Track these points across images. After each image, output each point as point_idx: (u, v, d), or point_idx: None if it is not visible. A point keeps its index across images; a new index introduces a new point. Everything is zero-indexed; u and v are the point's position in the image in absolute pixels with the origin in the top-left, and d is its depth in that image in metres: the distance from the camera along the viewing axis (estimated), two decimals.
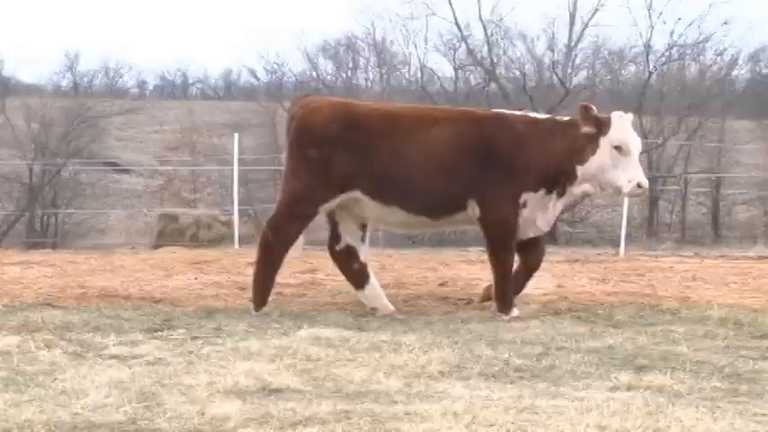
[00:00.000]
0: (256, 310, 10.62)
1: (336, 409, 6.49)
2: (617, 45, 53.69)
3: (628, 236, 23.96)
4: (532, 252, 10.98)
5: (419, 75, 53.07)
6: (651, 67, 51.87)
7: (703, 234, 47.03)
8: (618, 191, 10.68)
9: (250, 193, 43.54)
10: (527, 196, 10.64)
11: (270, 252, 10.79)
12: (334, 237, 11.11)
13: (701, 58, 54.23)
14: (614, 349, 8.79)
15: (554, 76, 49.05)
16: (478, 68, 50.87)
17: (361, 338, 8.96)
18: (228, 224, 22.73)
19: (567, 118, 10.89)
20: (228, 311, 10.70)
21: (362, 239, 11.14)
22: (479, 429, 6.09)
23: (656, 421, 6.25)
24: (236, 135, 23.75)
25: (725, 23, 51.64)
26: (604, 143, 10.47)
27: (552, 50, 50.85)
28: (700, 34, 51.87)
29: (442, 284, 13.18)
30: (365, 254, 11.14)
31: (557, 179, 10.67)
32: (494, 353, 8.45)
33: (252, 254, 16.91)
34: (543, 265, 11.27)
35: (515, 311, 10.65)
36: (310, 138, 10.74)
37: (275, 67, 56.85)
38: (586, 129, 10.49)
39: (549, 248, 17.22)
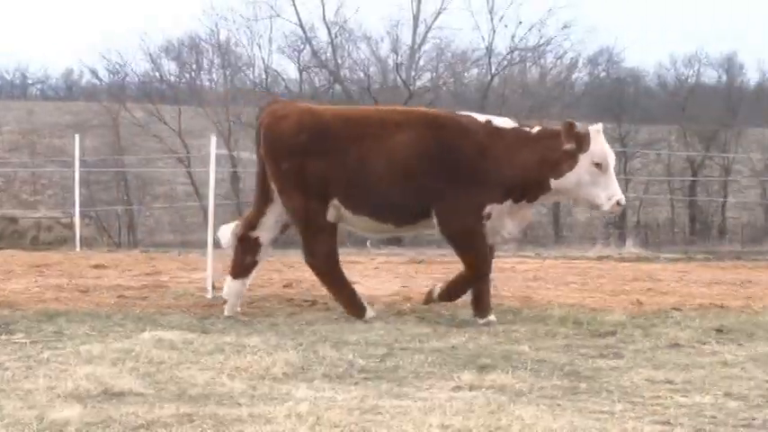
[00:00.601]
0: (362, 317, 10.50)
1: (179, 412, 6.40)
2: (460, 48, 54.23)
3: None
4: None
5: (264, 76, 52.86)
6: (493, 69, 52.53)
7: (545, 234, 47.79)
8: (596, 207, 10.45)
9: (92, 194, 42.90)
10: (491, 207, 10.37)
11: (327, 275, 10.71)
12: (249, 223, 10.92)
13: (542, 61, 55.18)
14: (457, 349, 8.85)
15: (398, 77, 49.25)
16: (323, 70, 50.87)
17: (204, 341, 8.86)
18: (70, 226, 22.32)
19: (536, 128, 10.61)
20: (70, 315, 10.50)
21: (272, 241, 11.06)
22: (323, 431, 6.05)
23: (498, 420, 6.28)
24: (77, 136, 23.36)
25: (564, 27, 52.69)
26: (584, 159, 10.20)
27: (396, 52, 51.14)
28: (540, 38, 52.83)
29: (286, 286, 13.15)
30: (264, 256, 11.07)
31: (526, 190, 10.41)
32: (338, 354, 8.43)
33: (94, 257, 16.71)
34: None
35: (492, 317, 10.47)
36: (281, 149, 10.58)
37: (117, 67, 56.06)
38: (568, 146, 10.20)
39: (395, 249, 17.35)
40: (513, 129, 10.54)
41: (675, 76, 62.68)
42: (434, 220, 10.44)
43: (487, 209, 10.36)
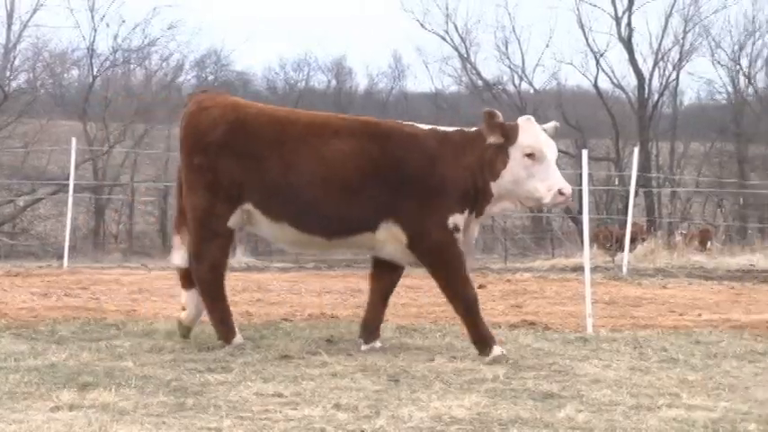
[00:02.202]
0: (229, 341, 9.61)
1: None
2: (59, 47, 52.63)
3: (72, 247, 23.59)
4: (388, 274, 9.97)
5: None
6: (95, 71, 51.34)
7: (152, 244, 47.24)
8: (539, 202, 9.51)
9: None
10: (454, 219, 9.46)
11: (206, 284, 9.70)
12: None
13: (147, 62, 54.44)
14: (56, 367, 8.43)
15: None
16: None
17: None
18: None
19: (473, 129, 9.67)
20: None
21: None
22: None
23: None
24: None
25: (170, 28, 52.22)
26: (515, 152, 9.38)
27: None
28: (145, 38, 52.07)
29: None
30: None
31: (476, 198, 9.51)
32: None
33: None
34: None
35: (497, 349, 9.40)
36: (195, 143, 9.68)
37: None
38: (492, 139, 9.39)
39: None
40: (456, 131, 9.74)
41: (285, 80, 63.74)
42: (402, 237, 9.51)
43: (451, 220, 9.48)
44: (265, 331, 10.57)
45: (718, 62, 57.52)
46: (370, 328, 9.91)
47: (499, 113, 9.50)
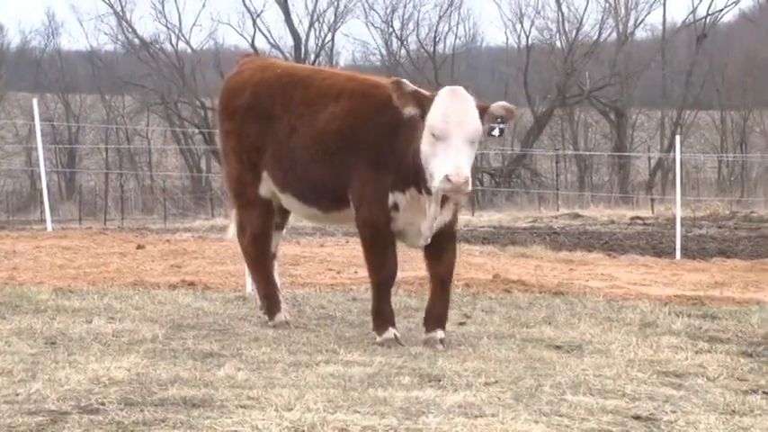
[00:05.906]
0: (271, 320, 9.21)
1: None
2: None
3: None
4: (438, 260, 8.66)
5: None
6: None
7: None
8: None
9: None
10: (395, 197, 8.45)
11: (249, 257, 9.39)
12: None
13: None
14: None
15: None
16: None
17: None
18: None
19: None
20: None
21: (278, 226, 9.46)
22: None
23: None
24: None
25: None
26: (427, 127, 8.03)
27: None
28: None
29: None
30: (276, 243, 9.48)
31: (417, 173, 8.21)
32: None
33: None
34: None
35: (391, 332, 8.54)
36: (225, 108, 9.40)
37: None
38: (408, 111, 8.10)
39: None
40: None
41: None
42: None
43: (391, 198, 8.48)
44: None
45: (372, 24, 59.14)
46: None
47: (407, 81, 8.31)
